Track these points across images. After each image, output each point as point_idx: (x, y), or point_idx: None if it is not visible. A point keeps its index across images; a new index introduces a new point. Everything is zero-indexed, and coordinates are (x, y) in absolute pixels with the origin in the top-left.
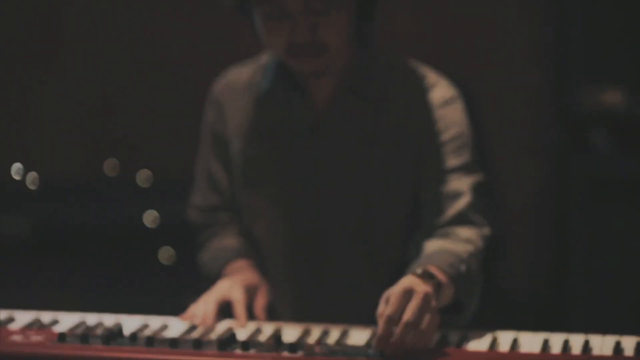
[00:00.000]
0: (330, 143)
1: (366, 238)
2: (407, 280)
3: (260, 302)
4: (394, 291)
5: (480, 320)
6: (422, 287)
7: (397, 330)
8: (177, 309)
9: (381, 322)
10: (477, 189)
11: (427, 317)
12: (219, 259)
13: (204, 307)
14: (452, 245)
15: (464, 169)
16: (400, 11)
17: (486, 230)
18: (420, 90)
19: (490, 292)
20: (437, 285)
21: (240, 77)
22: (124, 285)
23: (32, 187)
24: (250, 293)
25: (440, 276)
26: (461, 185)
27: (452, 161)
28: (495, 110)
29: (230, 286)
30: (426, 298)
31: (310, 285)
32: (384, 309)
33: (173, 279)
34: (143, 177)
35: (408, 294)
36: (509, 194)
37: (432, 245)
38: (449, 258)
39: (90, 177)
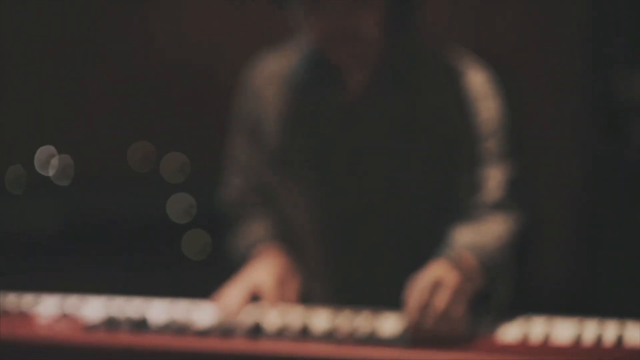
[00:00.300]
0: (366, 130)
1: (400, 223)
2: (438, 267)
3: (290, 289)
4: (426, 279)
5: (514, 307)
6: (452, 275)
7: (429, 319)
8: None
9: (412, 310)
10: (512, 176)
11: (457, 307)
12: (251, 244)
13: (234, 295)
14: (485, 231)
15: (500, 157)
16: None
17: (521, 216)
18: (457, 77)
19: (525, 280)
20: (468, 272)
21: (276, 65)
22: (149, 275)
23: (62, 178)
24: (281, 283)
25: (472, 262)
26: (497, 173)
27: (489, 148)
28: (532, 98)
29: (262, 275)
30: (457, 287)
31: (342, 269)
32: (414, 296)
33: (200, 270)
34: (172, 168)
35: (439, 282)
36: (544, 182)
37: (465, 231)
38: (481, 244)
39: (119, 168)
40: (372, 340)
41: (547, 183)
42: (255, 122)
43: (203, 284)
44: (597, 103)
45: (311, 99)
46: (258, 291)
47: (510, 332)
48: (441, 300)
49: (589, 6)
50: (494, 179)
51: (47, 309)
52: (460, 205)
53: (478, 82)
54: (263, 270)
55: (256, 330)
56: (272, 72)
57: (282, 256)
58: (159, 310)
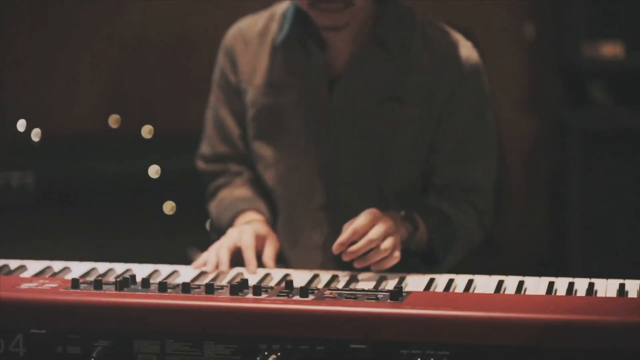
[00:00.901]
0: (350, 96)
1: (380, 192)
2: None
3: (269, 250)
4: (367, 210)
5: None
6: (392, 219)
7: (359, 242)
8: (180, 260)
9: (346, 231)
10: (492, 168)
11: (389, 241)
12: (230, 210)
13: (216, 254)
14: (447, 206)
15: (484, 135)
16: None
17: (487, 220)
18: (446, 50)
19: (488, 246)
20: (413, 228)
21: (254, 26)
22: (129, 236)
23: (36, 141)
24: (260, 241)
25: (419, 222)
26: (477, 164)
27: (473, 131)
28: (493, 63)
29: (240, 234)
30: (393, 226)
31: (320, 235)
32: (352, 223)
33: (175, 229)
34: (146, 131)
35: (378, 217)
36: (507, 147)
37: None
38: (437, 214)
39: (94, 131)
40: (353, 296)
41: (510, 148)
42: (233, 84)
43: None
44: (560, 67)
45: (292, 61)
46: (239, 253)
47: (486, 286)
48: (376, 231)
49: None
50: (474, 169)
51: (31, 272)
52: (436, 182)
53: (468, 58)
54: (243, 233)
55: (239, 287)
56: (249, 32)
57: (262, 222)
58: (143, 271)
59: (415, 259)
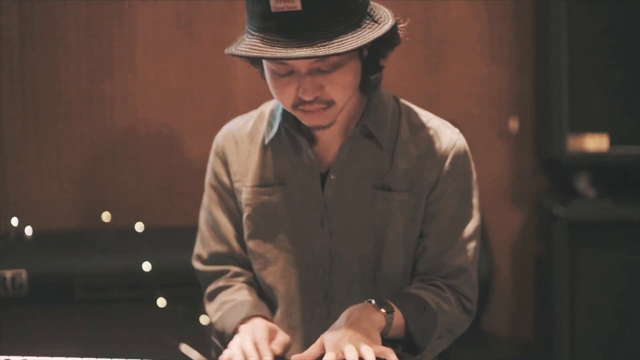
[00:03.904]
0: (341, 187)
1: (374, 282)
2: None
3: (279, 339)
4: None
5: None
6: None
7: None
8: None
9: None
10: (475, 252)
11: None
12: (236, 314)
13: (240, 349)
14: (425, 292)
15: (468, 228)
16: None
17: (471, 306)
18: (432, 138)
19: (473, 334)
20: (388, 313)
21: (244, 126)
22: (122, 330)
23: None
24: (272, 334)
25: (394, 307)
26: (459, 249)
27: (458, 216)
28: (480, 156)
29: (253, 328)
30: (360, 336)
31: (318, 328)
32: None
33: (168, 324)
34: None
35: (338, 346)
36: (493, 238)
37: (408, 290)
38: (413, 300)
39: (85, 229)
40: None
41: (495, 240)
42: (226, 185)
43: None
44: (544, 160)
45: (283, 158)
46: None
47: None
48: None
49: (535, 65)
50: (458, 244)
51: None
52: (421, 267)
53: (452, 143)
54: (256, 328)
55: None
56: (239, 132)
57: (270, 323)
58: None
59: (398, 347)
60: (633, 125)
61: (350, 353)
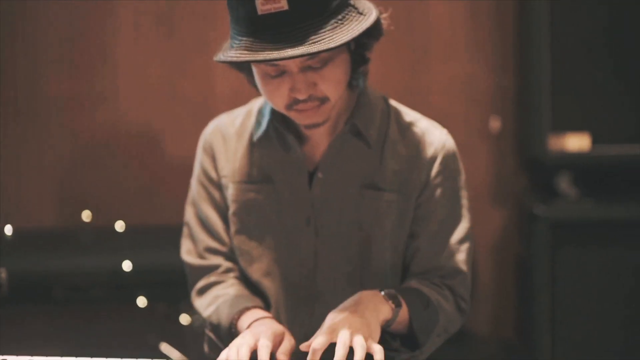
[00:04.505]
0: (329, 186)
1: (360, 281)
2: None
3: (285, 346)
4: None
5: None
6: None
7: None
8: (153, 353)
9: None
10: (469, 253)
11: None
12: (232, 307)
13: (236, 351)
14: (427, 289)
15: (460, 228)
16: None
17: (465, 306)
18: (421, 138)
19: (454, 334)
20: (396, 305)
21: (232, 123)
22: (101, 330)
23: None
24: (277, 338)
25: (401, 300)
26: (454, 250)
27: (449, 217)
28: (460, 156)
29: (259, 333)
30: (356, 325)
31: (302, 326)
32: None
33: (148, 324)
34: (118, 226)
35: (333, 330)
36: (475, 238)
37: (410, 285)
38: (417, 295)
39: (65, 228)
40: None
41: (476, 240)
42: (213, 180)
43: None
44: (525, 159)
45: (271, 155)
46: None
47: None
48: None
49: (517, 65)
50: (453, 245)
51: None
52: (416, 268)
53: (441, 143)
54: (262, 333)
55: None
56: (227, 129)
57: (273, 318)
58: None
59: (396, 341)
60: (615, 125)
61: (343, 338)
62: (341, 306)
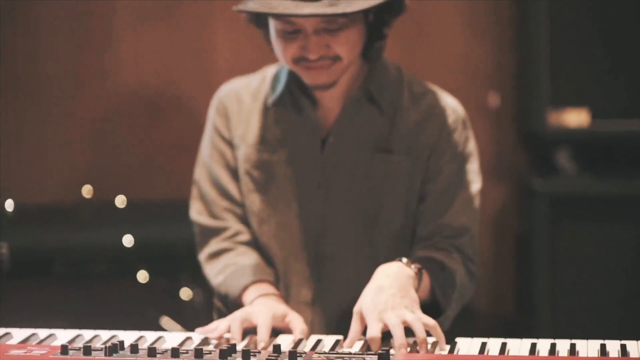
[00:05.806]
0: (341, 150)
1: (370, 245)
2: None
3: (301, 326)
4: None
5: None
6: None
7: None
8: (154, 328)
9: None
10: (476, 215)
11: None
12: (240, 278)
13: (228, 324)
14: (436, 253)
15: (469, 191)
16: None
17: (475, 269)
18: (432, 104)
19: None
20: (419, 277)
21: (248, 86)
22: (102, 304)
23: (9, 212)
24: (276, 321)
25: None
26: (460, 210)
27: (457, 180)
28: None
29: (258, 313)
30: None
31: (308, 291)
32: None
33: (149, 299)
34: (119, 201)
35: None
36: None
37: (421, 253)
38: (432, 262)
39: (68, 201)
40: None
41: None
42: (227, 140)
43: None
44: (524, 134)
45: (284, 119)
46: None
47: (469, 348)
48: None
49: (515, 39)
50: (459, 205)
51: (17, 339)
52: (422, 230)
53: (451, 110)
54: (261, 312)
55: (228, 352)
56: (242, 91)
57: (277, 296)
58: (130, 337)
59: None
60: (614, 100)
61: (393, 320)
62: (368, 292)
